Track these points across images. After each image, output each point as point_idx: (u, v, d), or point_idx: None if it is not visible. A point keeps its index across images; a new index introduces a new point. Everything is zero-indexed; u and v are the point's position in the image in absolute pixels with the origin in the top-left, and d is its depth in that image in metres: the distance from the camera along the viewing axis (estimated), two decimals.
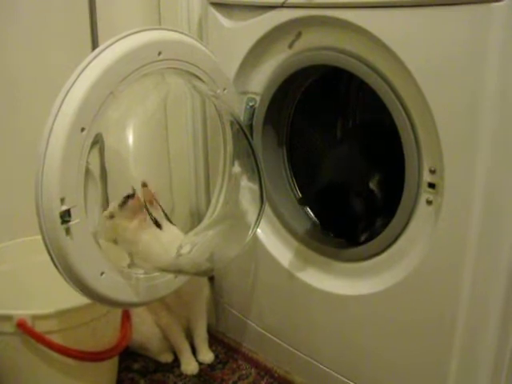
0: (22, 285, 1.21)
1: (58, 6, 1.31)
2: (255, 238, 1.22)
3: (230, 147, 1.17)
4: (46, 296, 1.12)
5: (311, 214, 1.23)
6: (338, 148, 1.30)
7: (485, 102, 0.82)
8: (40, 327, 1.00)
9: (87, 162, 0.88)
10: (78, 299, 0.98)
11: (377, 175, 1.12)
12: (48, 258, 0.88)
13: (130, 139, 1.02)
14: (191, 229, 1.13)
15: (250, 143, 1.11)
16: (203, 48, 1.07)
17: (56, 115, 0.84)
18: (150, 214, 1.01)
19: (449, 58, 0.84)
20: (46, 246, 0.86)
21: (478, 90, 0.82)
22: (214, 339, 1.42)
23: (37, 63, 1.31)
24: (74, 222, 0.86)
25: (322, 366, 1.20)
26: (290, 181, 1.24)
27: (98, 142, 0.94)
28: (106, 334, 1.12)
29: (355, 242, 1.12)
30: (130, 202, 1.01)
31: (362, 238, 1.12)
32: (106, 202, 1.07)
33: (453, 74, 0.84)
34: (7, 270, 1.22)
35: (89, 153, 0.88)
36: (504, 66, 0.80)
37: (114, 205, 1.02)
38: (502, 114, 0.82)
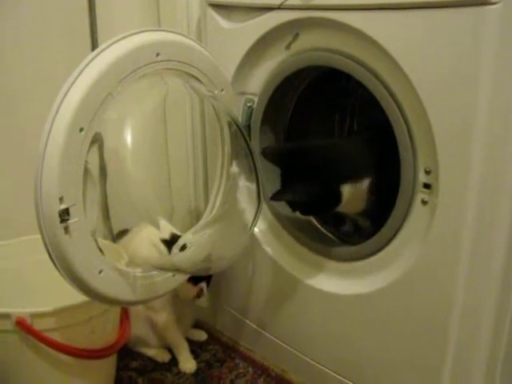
0: (22, 283, 1.22)
1: (57, 7, 1.31)
2: (253, 237, 1.23)
3: (228, 147, 1.18)
4: (46, 294, 1.12)
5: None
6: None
7: (480, 103, 0.82)
8: (39, 325, 1.01)
9: (86, 161, 0.89)
10: (77, 297, 0.99)
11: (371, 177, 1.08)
12: (47, 257, 0.88)
13: (129, 139, 1.02)
14: (189, 228, 1.14)
15: (247, 144, 1.11)
16: (201, 49, 1.07)
17: (55, 115, 0.84)
18: None
19: (444, 59, 0.85)
20: (45, 244, 0.87)
21: (473, 91, 0.82)
22: (212, 338, 1.43)
23: (36, 63, 1.32)
24: (72, 220, 0.86)
25: (318, 365, 1.21)
26: None
27: (97, 140, 0.95)
28: (104, 332, 1.13)
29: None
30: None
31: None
32: (104, 201, 1.07)
33: (448, 76, 0.85)
34: (8, 268, 1.22)
35: (87, 152, 0.89)
36: (499, 68, 0.81)
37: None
38: (496, 116, 0.83)
